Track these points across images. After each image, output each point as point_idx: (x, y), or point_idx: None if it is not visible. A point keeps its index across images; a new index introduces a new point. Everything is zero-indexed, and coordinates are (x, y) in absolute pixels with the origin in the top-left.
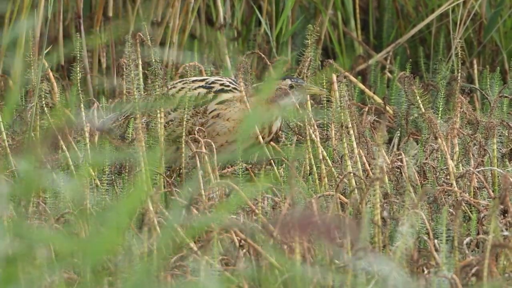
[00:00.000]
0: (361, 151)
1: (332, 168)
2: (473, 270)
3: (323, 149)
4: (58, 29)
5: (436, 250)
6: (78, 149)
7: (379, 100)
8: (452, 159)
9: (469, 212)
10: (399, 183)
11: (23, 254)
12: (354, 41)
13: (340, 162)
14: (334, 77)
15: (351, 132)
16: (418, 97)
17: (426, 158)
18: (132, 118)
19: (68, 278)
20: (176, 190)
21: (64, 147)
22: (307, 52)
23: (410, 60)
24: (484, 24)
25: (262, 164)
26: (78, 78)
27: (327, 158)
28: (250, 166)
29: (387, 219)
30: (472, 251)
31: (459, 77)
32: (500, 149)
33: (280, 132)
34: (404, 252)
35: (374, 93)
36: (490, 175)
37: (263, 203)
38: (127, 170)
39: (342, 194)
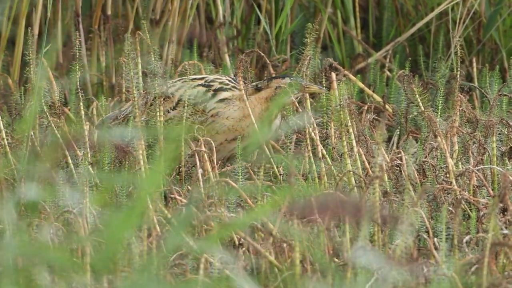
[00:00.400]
0: (360, 149)
1: (332, 167)
2: (473, 269)
3: (322, 148)
4: (57, 27)
5: (436, 248)
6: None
7: (378, 98)
8: (451, 158)
9: (469, 211)
10: (399, 181)
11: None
12: (353, 39)
13: (339, 160)
14: (334, 75)
15: (351, 130)
16: (417, 96)
17: (426, 157)
18: (132, 117)
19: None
20: (176, 188)
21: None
22: (306, 51)
23: (410, 58)
24: (484, 22)
25: (261, 163)
26: (77, 76)
27: (327, 156)
28: (250, 164)
29: (386, 217)
30: (471, 250)
31: (458, 76)
32: (500, 147)
33: (279, 130)
34: (403, 250)
35: (373, 91)
36: (490, 173)
37: (263, 201)
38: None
39: (341, 193)
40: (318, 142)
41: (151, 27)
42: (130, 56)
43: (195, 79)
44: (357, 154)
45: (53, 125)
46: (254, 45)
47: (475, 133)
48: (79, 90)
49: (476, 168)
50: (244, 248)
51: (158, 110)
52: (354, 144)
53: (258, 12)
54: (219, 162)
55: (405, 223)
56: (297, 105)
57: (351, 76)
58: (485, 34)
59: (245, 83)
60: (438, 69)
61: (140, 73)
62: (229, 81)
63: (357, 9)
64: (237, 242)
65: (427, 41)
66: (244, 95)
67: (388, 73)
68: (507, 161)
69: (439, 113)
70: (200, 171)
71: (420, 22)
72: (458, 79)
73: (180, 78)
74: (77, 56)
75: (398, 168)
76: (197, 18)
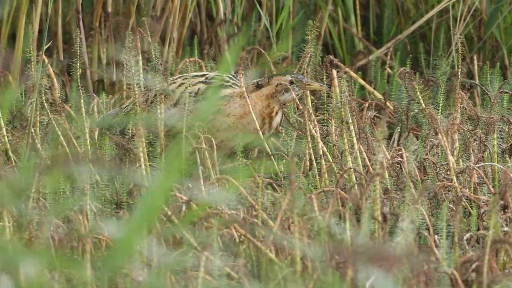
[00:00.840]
0: (361, 146)
1: (332, 164)
2: (473, 266)
3: (323, 145)
4: (58, 24)
5: (436, 245)
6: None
7: (379, 95)
8: (452, 155)
9: (469, 208)
10: (399, 178)
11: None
12: (354, 37)
13: (340, 157)
14: (335, 72)
15: (351, 127)
16: (418, 93)
17: (426, 154)
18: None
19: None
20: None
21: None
22: (307, 48)
23: (410, 56)
24: (484, 19)
25: (262, 160)
26: (78, 73)
27: (327, 153)
28: (250, 161)
29: (387, 214)
30: (472, 247)
31: (459, 73)
32: (500, 144)
33: (280, 127)
34: (404, 248)
35: (374, 88)
36: (490, 170)
37: (263, 199)
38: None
39: (342, 190)
40: (319, 139)
41: (152, 24)
42: (131, 53)
43: (196, 76)
44: (357, 151)
45: (53, 122)
46: (255, 42)
47: (476, 131)
48: (79, 87)
49: (477, 165)
50: (244, 246)
51: (158, 107)
52: (355, 141)
53: (259, 9)
54: (220, 159)
55: (405, 220)
56: (298, 102)
57: (352, 73)
58: (486, 32)
59: (245, 80)
60: (439, 66)
61: (141, 70)
62: (230, 78)
63: (358, 6)
64: (237, 239)
65: (428, 38)
66: (245, 92)
67: (389, 70)
68: (507, 159)
69: (440, 111)
70: (200, 168)
71: (421, 20)
72: (459, 77)
73: (180, 75)
74: (78, 53)
75: (399, 166)
76: (197, 15)
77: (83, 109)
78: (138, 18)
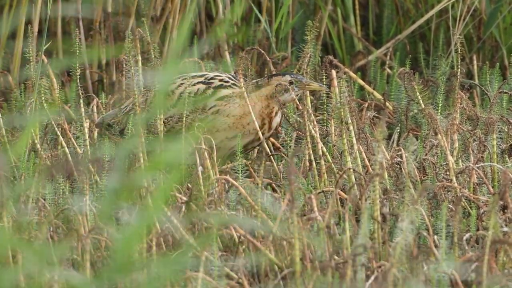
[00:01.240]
0: (360, 147)
1: (332, 164)
2: (473, 266)
3: (322, 145)
4: (57, 24)
5: (436, 246)
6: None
7: (379, 96)
8: (451, 155)
9: (469, 208)
10: (399, 179)
11: None
12: (353, 37)
13: (339, 158)
14: (334, 73)
15: (351, 128)
16: (418, 93)
17: (426, 154)
18: (132, 114)
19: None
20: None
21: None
22: (306, 48)
23: (410, 56)
24: (484, 20)
25: (261, 160)
26: (78, 74)
27: (327, 154)
28: (250, 162)
29: (386, 215)
30: (471, 247)
31: (458, 73)
32: (500, 145)
33: (279, 128)
34: (403, 248)
35: (374, 89)
36: (490, 171)
37: (263, 199)
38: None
39: (341, 190)
40: (319, 140)
41: (152, 25)
42: (131, 53)
43: (195, 76)
44: (357, 152)
45: (53, 122)
46: (255, 43)
47: (475, 131)
48: (79, 87)
49: (476, 165)
50: (244, 246)
51: (158, 107)
52: (354, 141)
53: (256, 11)
54: (219, 159)
55: (405, 220)
56: (298, 103)
57: (351, 73)
58: (485, 32)
59: (245, 81)
60: (438, 66)
61: (141, 71)
62: (229, 78)
63: (357, 6)
64: (237, 240)
65: (428, 38)
66: (245, 93)
67: (388, 70)
68: (507, 159)
69: (440, 111)
70: (200, 168)
71: (420, 20)
72: (458, 77)
73: (180, 76)
74: (78, 54)
75: (398, 166)
76: (197, 15)
77: (83, 110)
78: (138, 18)
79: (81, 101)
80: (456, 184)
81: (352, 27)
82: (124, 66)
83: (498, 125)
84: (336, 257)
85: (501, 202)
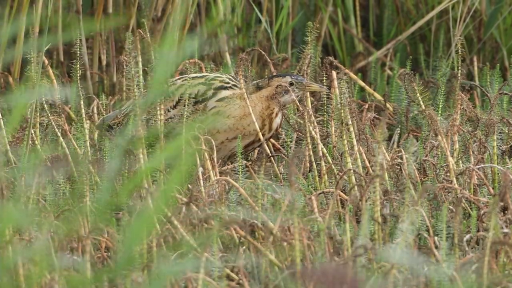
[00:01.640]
0: (361, 148)
1: (332, 165)
2: (473, 267)
3: (323, 146)
4: (58, 25)
5: (436, 247)
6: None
7: (379, 97)
8: (452, 156)
9: (469, 209)
10: (399, 180)
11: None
12: (354, 38)
13: (340, 159)
14: (334, 74)
15: (351, 129)
16: (418, 94)
17: (426, 155)
18: (132, 115)
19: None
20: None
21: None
22: (307, 49)
23: (410, 57)
24: (484, 21)
25: (262, 161)
26: (78, 75)
27: (327, 155)
28: (250, 163)
29: (387, 216)
30: (472, 248)
31: (459, 74)
32: (500, 146)
33: (280, 129)
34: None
35: (374, 90)
36: (490, 172)
37: (263, 200)
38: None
39: (342, 191)
40: (319, 141)
41: (152, 25)
42: (131, 54)
43: (195, 77)
44: (357, 153)
45: (53, 123)
46: (255, 44)
47: (475, 132)
48: (79, 88)
49: (477, 166)
50: (244, 247)
51: (158, 109)
52: (355, 142)
53: (257, 12)
54: (220, 160)
55: (405, 221)
56: (298, 104)
57: (351, 74)
58: (485, 33)
59: (245, 82)
60: (439, 67)
61: (141, 72)
62: (230, 79)
63: (358, 7)
64: (237, 241)
65: (428, 39)
66: (245, 94)
67: (389, 71)
68: (507, 160)
69: (440, 112)
70: (200, 169)
71: (421, 21)
72: (458, 78)
73: (180, 77)
74: (78, 54)
75: (399, 167)
76: (197, 16)
77: (83, 111)
78: (138, 19)
79: (82, 102)
80: (456, 185)
81: (353, 28)
82: (125, 67)
83: (499, 126)
84: (336, 258)
85: (502, 203)
